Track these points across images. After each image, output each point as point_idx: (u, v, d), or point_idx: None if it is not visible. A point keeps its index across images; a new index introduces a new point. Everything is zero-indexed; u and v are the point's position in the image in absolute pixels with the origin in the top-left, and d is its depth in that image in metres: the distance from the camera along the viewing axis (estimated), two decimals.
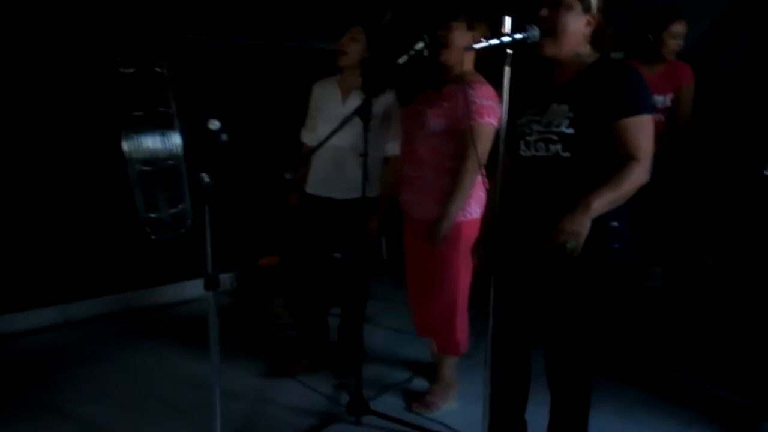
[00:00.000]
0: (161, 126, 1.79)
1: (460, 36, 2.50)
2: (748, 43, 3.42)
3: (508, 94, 1.84)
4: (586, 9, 1.87)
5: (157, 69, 1.84)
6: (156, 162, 1.79)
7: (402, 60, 2.41)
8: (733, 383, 2.98)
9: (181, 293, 4.01)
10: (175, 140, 1.81)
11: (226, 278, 4.16)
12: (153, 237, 1.93)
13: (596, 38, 1.92)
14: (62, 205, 3.53)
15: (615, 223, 1.86)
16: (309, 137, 2.99)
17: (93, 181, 3.50)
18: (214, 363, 2.16)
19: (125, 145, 1.80)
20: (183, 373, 3.01)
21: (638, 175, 1.81)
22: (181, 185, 1.86)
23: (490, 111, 2.47)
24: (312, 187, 2.96)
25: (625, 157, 1.81)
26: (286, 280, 3.89)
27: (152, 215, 1.88)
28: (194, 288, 3.95)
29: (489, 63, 2.61)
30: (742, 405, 2.80)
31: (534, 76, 2.03)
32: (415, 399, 2.78)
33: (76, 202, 3.54)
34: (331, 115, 2.80)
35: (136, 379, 2.98)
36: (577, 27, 1.88)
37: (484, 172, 2.37)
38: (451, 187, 2.49)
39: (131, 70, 1.85)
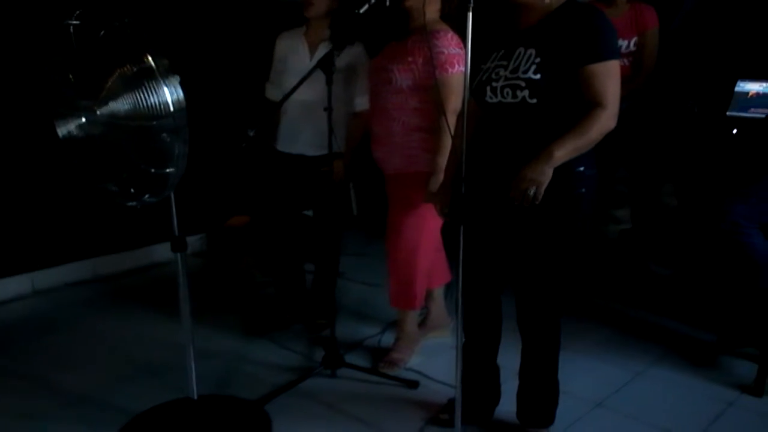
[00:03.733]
0: (156, 80, 1.74)
1: None
2: None
3: (470, 40, 1.81)
4: None
5: (125, 23, 1.76)
6: (169, 116, 1.74)
7: (363, 9, 2.34)
8: (697, 320, 3.08)
9: (149, 257, 3.97)
10: (179, 93, 1.76)
11: (195, 240, 4.12)
12: (152, 199, 1.89)
13: None
14: (25, 172, 3.43)
15: (581, 168, 1.87)
16: (274, 92, 2.92)
17: (57, 146, 3.40)
18: (184, 324, 2.15)
19: (126, 100, 1.74)
20: (156, 337, 2.99)
21: (604, 121, 1.80)
22: (186, 139, 1.81)
23: (459, 59, 2.43)
24: (281, 143, 2.91)
25: (590, 104, 1.81)
26: (256, 240, 3.88)
27: (168, 170, 1.83)
28: (163, 251, 3.91)
29: (454, 14, 2.55)
30: (705, 341, 2.90)
31: (499, 18, 2.00)
32: (381, 357, 2.75)
33: (40, 168, 3.44)
34: (297, 68, 2.71)
35: (108, 345, 2.96)
36: None
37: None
38: (434, 142, 2.47)
39: (76, 22, 1.77)
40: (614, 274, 3.55)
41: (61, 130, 1.95)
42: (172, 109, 1.74)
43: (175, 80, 1.74)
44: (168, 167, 1.81)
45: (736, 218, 2.55)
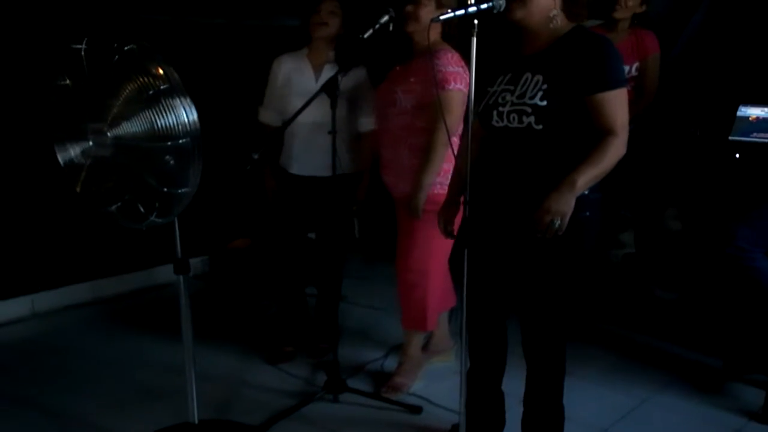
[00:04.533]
0: (173, 100, 1.75)
1: (428, 12, 2.45)
2: (711, 8, 3.44)
3: (475, 64, 1.82)
4: None
5: (142, 47, 1.78)
6: (186, 136, 1.75)
7: (367, 34, 2.36)
8: (703, 346, 3.05)
9: (151, 279, 3.95)
10: (195, 113, 1.77)
11: (197, 262, 4.10)
12: (161, 219, 1.89)
13: (570, 6, 1.90)
14: (25, 193, 3.43)
15: (586, 192, 1.87)
16: (268, 116, 2.92)
17: (59, 167, 3.41)
18: (186, 347, 2.13)
19: (140, 121, 1.75)
20: (156, 360, 2.97)
21: (617, 148, 1.81)
22: (200, 160, 1.82)
23: (456, 77, 2.44)
24: (296, 166, 2.89)
25: (601, 131, 1.81)
26: (258, 262, 3.87)
27: (181, 191, 1.83)
28: (165, 273, 3.89)
29: (457, 36, 2.58)
30: (712, 367, 2.87)
31: (504, 43, 2.01)
32: (384, 382, 2.72)
33: (40, 189, 3.44)
34: (303, 89, 2.73)
35: (109, 368, 2.93)
36: None
37: (457, 140, 2.36)
38: (424, 158, 2.47)
39: (83, 47, 1.79)
40: (619, 299, 3.53)
41: (63, 156, 1.95)
42: (189, 128, 1.75)
43: (189, 100, 1.75)
44: (181, 187, 1.81)
45: (741, 243, 2.53)
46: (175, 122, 1.75)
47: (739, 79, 3.31)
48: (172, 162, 1.86)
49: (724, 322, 3.05)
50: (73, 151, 1.92)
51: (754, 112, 3.17)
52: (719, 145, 3.17)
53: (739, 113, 3.20)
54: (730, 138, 3.15)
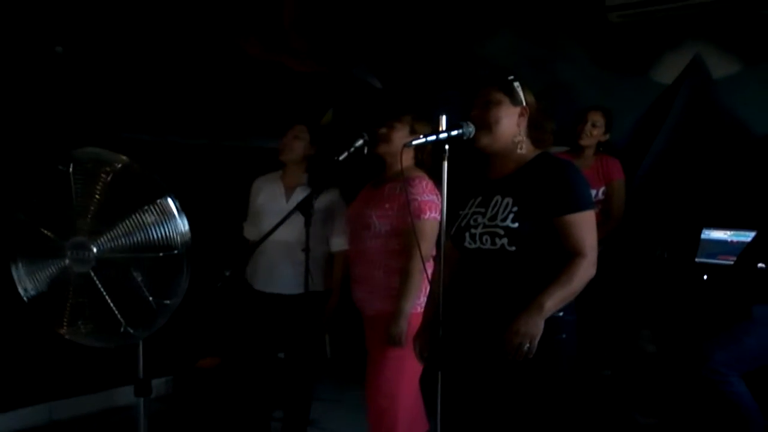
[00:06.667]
0: (169, 212, 1.78)
1: (401, 136, 2.54)
2: (670, 137, 3.65)
3: (446, 188, 1.87)
4: (516, 102, 1.95)
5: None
6: (184, 246, 1.76)
7: (342, 157, 2.44)
8: None
9: (111, 401, 3.75)
10: (186, 224, 1.80)
11: (161, 383, 3.93)
12: (139, 332, 1.85)
13: (535, 133, 1.98)
14: None
15: (561, 314, 1.86)
16: (250, 231, 2.98)
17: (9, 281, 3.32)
18: None
19: (133, 233, 1.76)
20: None
21: (586, 270, 1.84)
22: (189, 271, 1.82)
23: (432, 206, 2.48)
24: (257, 282, 2.89)
25: (570, 253, 1.84)
26: (227, 383, 3.72)
27: (166, 302, 1.82)
28: (125, 395, 3.70)
29: (429, 164, 2.65)
30: None
31: (473, 168, 2.08)
32: None
33: None
34: (274, 210, 2.79)
35: None
36: (510, 119, 1.94)
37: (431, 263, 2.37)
38: (400, 286, 2.47)
39: (64, 168, 1.83)
40: (599, 424, 3.42)
41: (25, 285, 1.92)
42: (183, 239, 1.76)
43: (181, 209, 1.78)
44: (169, 298, 1.79)
45: (716, 366, 2.52)
46: (173, 233, 1.78)
47: (701, 204, 3.45)
48: (165, 273, 1.86)
49: None
50: (41, 276, 1.89)
51: (718, 235, 3.28)
52: (686, 267, 3.24)
53: (702, 236, 3.31)
54: (696, 260, 3.23)
